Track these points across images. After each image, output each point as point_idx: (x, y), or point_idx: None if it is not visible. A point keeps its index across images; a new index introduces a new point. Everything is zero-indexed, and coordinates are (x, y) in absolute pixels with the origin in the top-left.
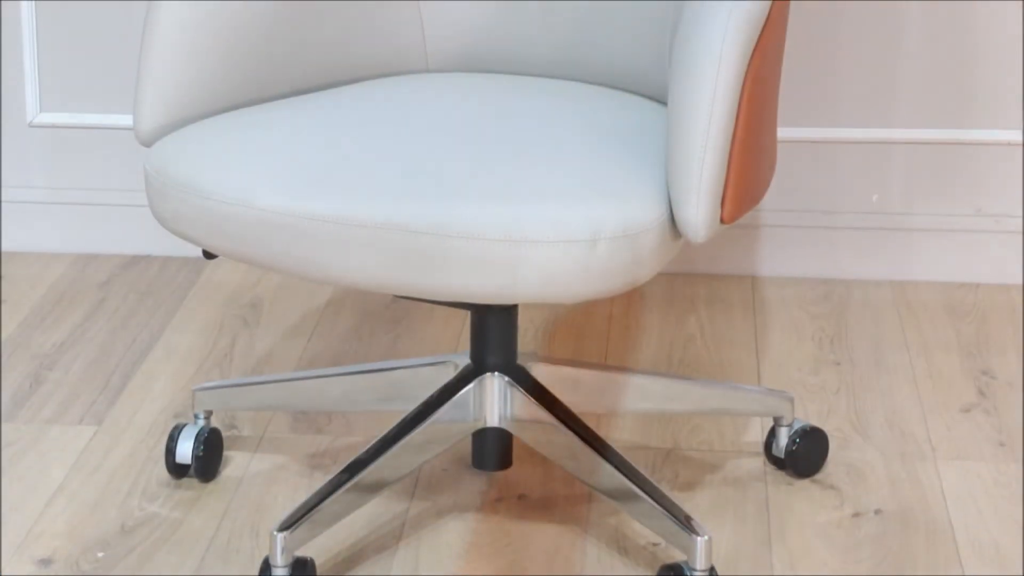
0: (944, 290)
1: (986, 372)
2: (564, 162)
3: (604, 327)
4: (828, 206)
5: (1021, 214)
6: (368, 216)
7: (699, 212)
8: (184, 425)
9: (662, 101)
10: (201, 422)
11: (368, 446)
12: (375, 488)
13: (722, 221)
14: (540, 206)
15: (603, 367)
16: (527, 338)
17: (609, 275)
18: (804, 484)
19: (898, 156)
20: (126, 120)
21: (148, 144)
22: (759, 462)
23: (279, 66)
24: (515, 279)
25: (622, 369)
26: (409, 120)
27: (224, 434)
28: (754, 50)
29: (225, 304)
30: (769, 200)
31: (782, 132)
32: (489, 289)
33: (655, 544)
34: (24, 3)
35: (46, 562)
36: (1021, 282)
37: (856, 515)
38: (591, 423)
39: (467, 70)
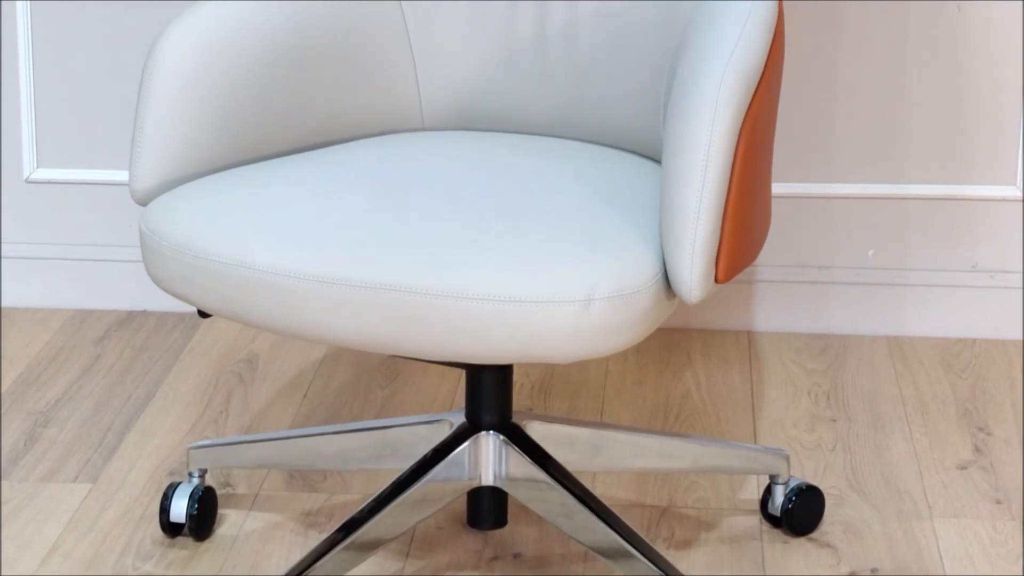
0: (940, 345)
1: (982, 428)
2: (559, 221)
3: (600, 382)
4: (824, 261)
5: (1018, 269)
6: (363, 276)
7: (693, 272)
8: (178, 483)
9: (658, 160)
10: (196, 480)
11: (363, 504)
12: (370, 547)
13: (717, 281)
14: (534, 266)
15: (598, 425)
16: (523, 394)
17: (604, 335)
18: (800, 542)
19: (894, 211)
20: (122, 176)
21: (143, 203)
22: (755, 520)
23: (275, 125)
24: (509, 339)
25: (617, 427)
26: (404, 179)
27: (219, 492)
28: (748, 110)
29: (221, 360)
30: (765, 255)
31: (777, 188)
32: (483, 349)
33: None
34: (22, 58)
35: None
36: (1018, 337)
37: (852, 574)
38: (586, 481)
39: (463, 128)
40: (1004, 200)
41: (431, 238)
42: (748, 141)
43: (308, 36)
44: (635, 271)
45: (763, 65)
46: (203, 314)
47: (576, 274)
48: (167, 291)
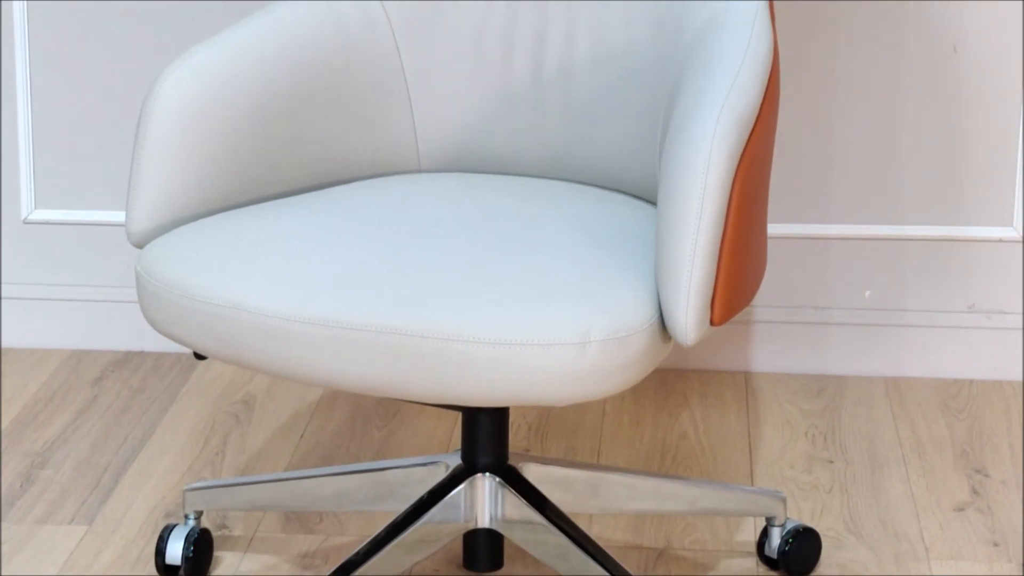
0: (937, 386)
1: (980, 470)
2: (554, 264)
3: (597, 423)
4: (821, 302)
5: (1015, 310)
6: (358, 319)
7: (688, 315)
8: (174, 526)
9: (654, 202)
10: (191, 522)
11: (359, 546)
12: None
13: (712, 323)
14: (530, 309)
15: (594, 467)
16: (519, 435)
17: (599, 378)
18: None
19: (891, 252)
20: (120, 217)
21: (140, 246)
22: (752, 562)
23: (271, 167)
24: (504, 382)
25: (613, 469)
26: (400, 221)
27: (215, 534)
28: (743, 152)
29: (218, 401)
30: (762, 296)
31: (774, 228)
32: (479, 392)
33: None
34: (20, 99)
35: None
36: (1016, 378)
37: None
38: (583, 523)
39: (459, 170)
40: (1002, 241)
41: (427, 281)
42: (743, 184)
43: (304, 78)
44: (631, 314)
45: (758, 108)
46: (199, 356)
47: (571, 317)
48: (163, 333)
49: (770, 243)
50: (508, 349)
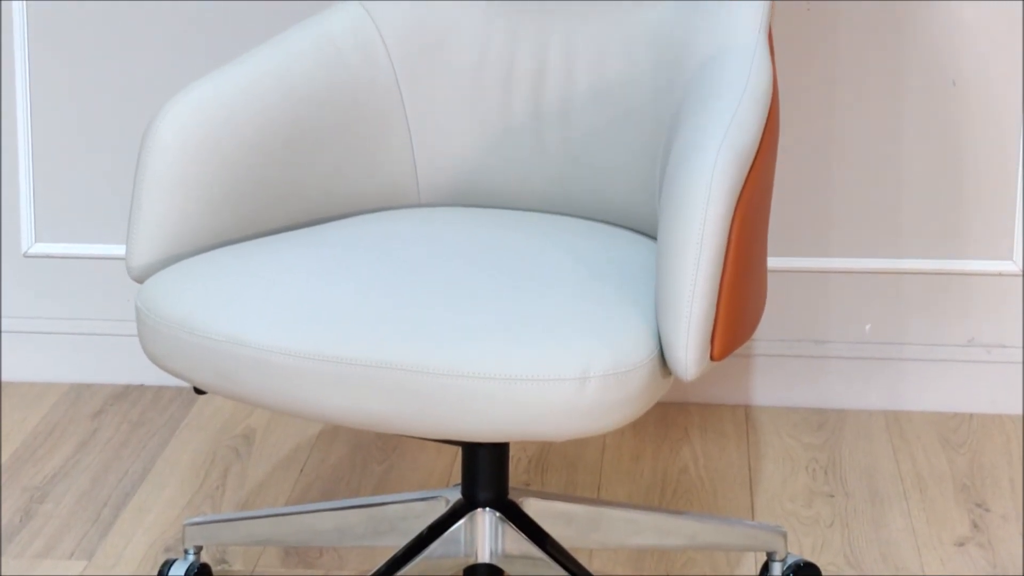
0: (938, 420)
1: (980, 504)
2: (554, 299)
3: (597, 457)
4: (821, 335)
5: (1015, 344)
6: (358, 354)
7: (688, 350)
8: (174, 560)
9: (654, 236)
10: (191, 557)
11: None
12: None
13: (712, 358)
14: (529, 344)
15: (594, 501)
16: (519, 469)
17: (599, 413)
18: None
19: (890, 286)
20: (120, 250)
21: (140, 280)
22: None
23: (271, 201)
24: (504, 417)
25: (613, 503)
26: (400, 256)
27: (214, 568)
28: (742, 188)
29: (218, 435)
30: (762, 329)
31: (774, 262)
32: (478, 427)
33: None
34: (21, 133)
35: None
36: (1016, 412)
37: None
38: (583, 558)
39: (459, 204)
40: (1001, 275)
41: (426, 316)
42: (743, 219)
43: (305, 112)
44: (630, 349)
45: (757, 143)
46: (199, 391)
47: (571, 352)
48: (163, 368)
49: (770, 276)
50: (507, 384)
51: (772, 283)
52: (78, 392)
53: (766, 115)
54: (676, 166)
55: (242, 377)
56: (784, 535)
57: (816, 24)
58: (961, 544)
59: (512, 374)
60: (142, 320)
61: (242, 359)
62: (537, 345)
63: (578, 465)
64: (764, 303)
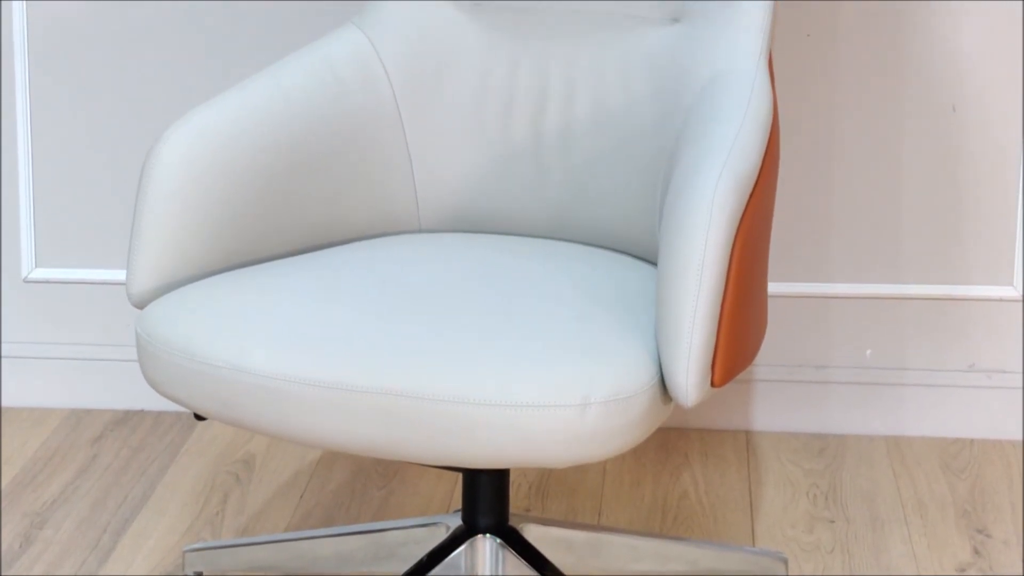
0: (939, 446)
1: (981, 530)
2: (554, 325)
3: (598, 483)
4: (821, 361)
5: (1016, 369)
6: (359, 381)
7: (689, 377)
8: None
9: (655, 262)
10: None
11: None
12: None
13: (713, 384)
14: (530, 370)
15: (595, 528)
16: (520, 494)
17: (600, 440)
18: None
19: (891, 311)
20: (120, 275)
21: (140, 307)
22: None
23: (272, 227)
24: (505, 444)
25: (614, 529)
26: (401, 283)
27: None
28: (743, 214)
29: (217, 460)
30: (762, 355)
31: (774, 287)
32: (478, 454)
33: None
34: (21, 158)
35: None
36: (1016, 438)
37: None
38: None
39: (459, 230)
40: (1002, 300)
41: (427, 342)
42: (743, 245)
43: (305, 138)
44: (631, 375)
45: (758, 170)
46: (199, 417)
47: (572, 378)
48: (163, 394)
49: (770, 302)
50: (508, 411)
51: (773, 308)
52: (78, 417)
53: (767, 141)
54: (677, 192)
55: (242, 403)
56: (785, 561)
57: (816, 51)
58: (962, 570)
59: (512, 400)
60: (142, 346)
61: (242, 385)
62: (538, 371)
63: (579, 491)
64: (765, 329)
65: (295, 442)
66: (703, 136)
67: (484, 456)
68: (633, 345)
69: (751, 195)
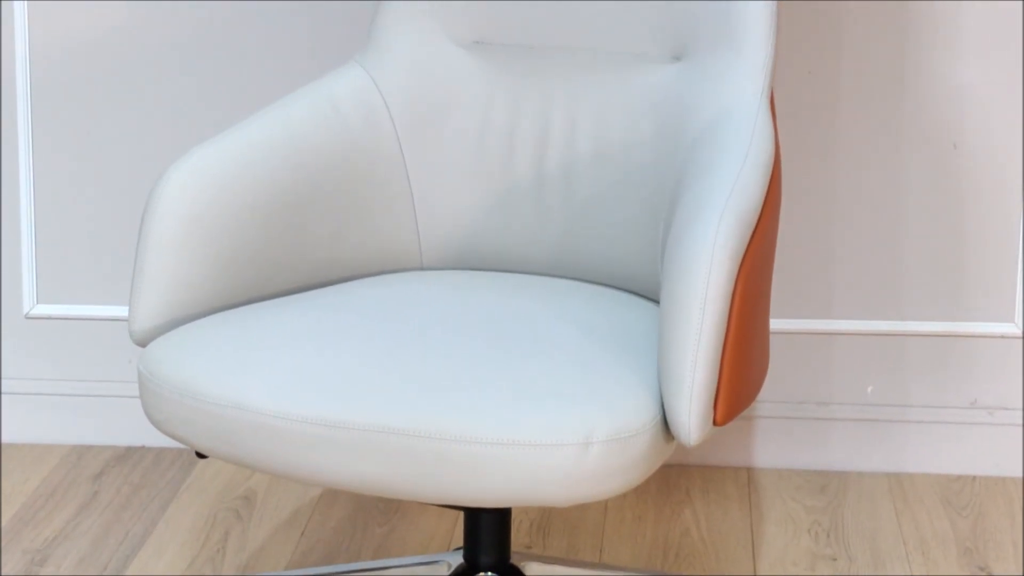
0: (941, 483)
1: (983, 568)
2: (556, 364)
3: (599, 520)
4: (823, 398)
5: (1017, 406)
6: (360, 419)
7: (691, 416)
8: None
9: (656, 300)
10: None
11: None
12: None
13: (715, 423)
14: (531, 409)
15: (596, 565)
16: (521, 531)
17: (601, 479)
18: None
19: (893, 348)
20: (121, 311)
21: (142, 344)
22: None
23: (274, 265)
24: (506, 483)
25: (615, 567)
26: (403, 320)
27: None
28: (744, 254)
29: (218, 497)
30: (764, 391)
31: (776, 324)
32: (480, 493)
33: None
34: (23, 194)
35: None
36: (1018, 475)
37: None
38: None
39: (462, 267)
40: (1003, 337)
41: (428, 381)
42: (745, 284)
43: (307, 176)
44: (633, 414)
45: (760, 208)
46: (200, 455)
47: (574, 417)
48: (165, 433)
49: (772, 338)
50: (509, 450)
51: (774, 345)
52: (79, 454)
53: (768, 180)
54: (679, 232)
55: (243, 442)
56: None
57: (818, 88)
58: None
59: (514, 439)
60: (144, 385)
61: (243, 424)
62: (539, 410)
63: (580, 528)
64: (767, 367)
65: (296, 480)
66: (705, 175)
67: (485, 495)
68: (635, 384)
69: (753, 234)
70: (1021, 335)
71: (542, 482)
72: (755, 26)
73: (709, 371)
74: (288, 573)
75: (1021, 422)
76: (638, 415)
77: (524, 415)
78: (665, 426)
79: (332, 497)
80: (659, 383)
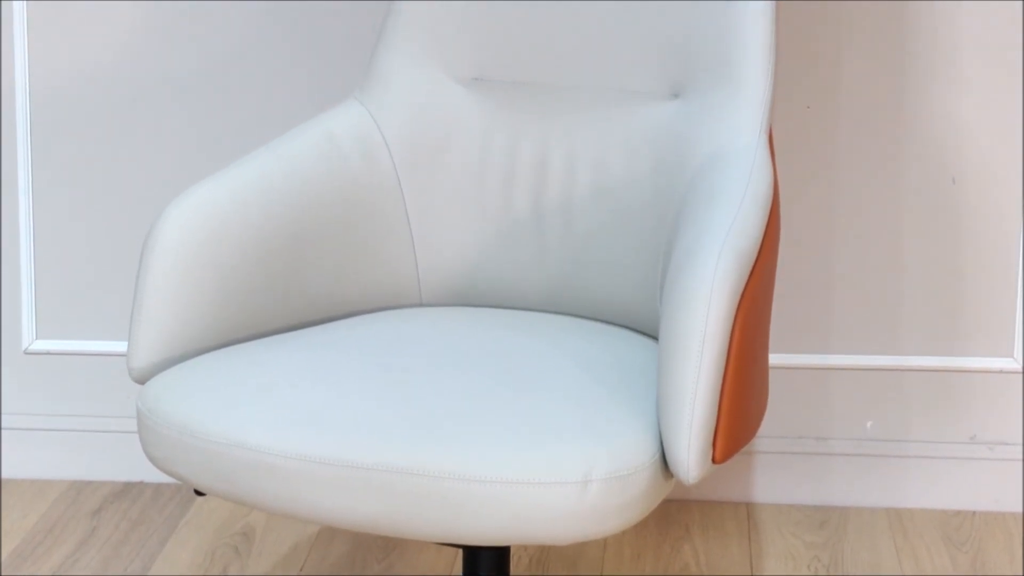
0: (940, 518)
1: None
2: (555, 401)
3: (598, 556)
4: (822, 432)
5: (1017, 441)
6: (360, 457)
7: (691, 454)
8: None
9: (655, 336)
10: None
11: None
12: None
13: (714, 461)
14: (530, 447)
15: None
16: (520, 567)
17: (601, 517)
18: None
19: (892, 383)
20: (120, 347)
21: (141, 382)
22: None
23: (273, 302)
24: (505, 521)
25: None
26: (402, 357)
27: None
28: (743, 291)
29: (217, 532)
30: (763, 427)
31: (775, 358)
32: (478, 531)
33: None
34: (23, 229)
35: None
36: (1018, 510)
37: None
38: None
39: (461, 303)
40: (1002, 372)
41: (426, 419)
42: (744, 322)
43: (306, 213)
44: (632, 452)
45: (759, 246)
46: (199, 492)
47: (572, 455)
48: (164, 471)
49: (771, 373)
50: (508, 488)
51: (773, 380)
52: (78, 489)
53: (767, 217)
54: (677, 269)
55: (242, 480)
56: None
57: (816, 123)
58: None
59: (512, 478)
60: (143, 422)
61: (242, 462)
62: (538, 448)
63: (579, 564)
64: (766, 404)
65: (295, 518)
66: (704, 212)
67: (484, 533)
68: (634, 421)
69: (752, 272)
70: (1020, 370)
71: (541, 521)
72: (753, 62)
73: (708, 409)
74: None
75: (1021, 457)
76: (637, 453)
77: (523, 453)
78: (664, 464)
79: (331, 533)
80: (658, 421)
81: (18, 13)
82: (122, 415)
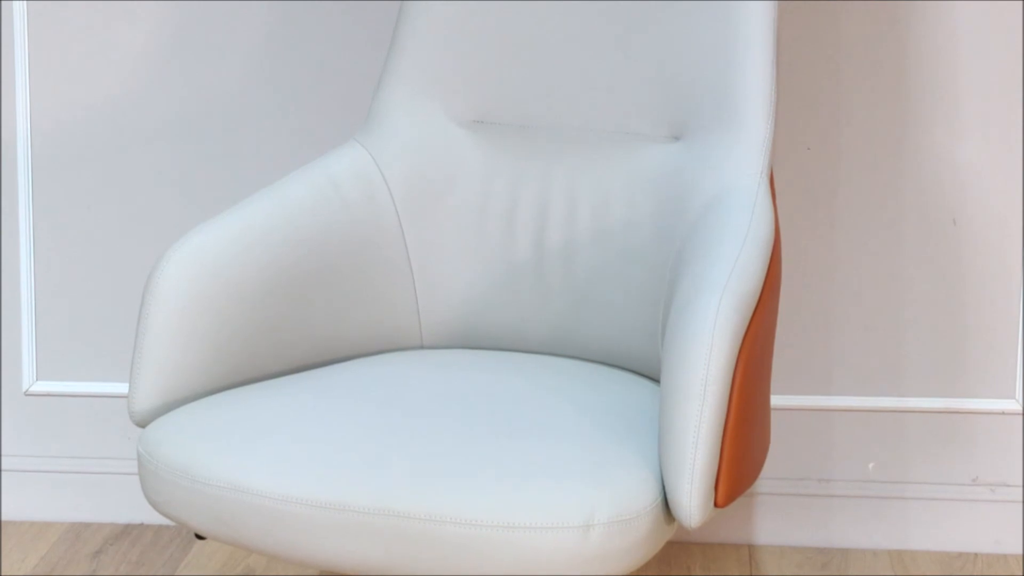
0: (942, 560)
1: None
2: (557, 445)
3: None
4: (824, 474)
5: (1018, 483)
6: (360, 502)
7: (693, 498)
8: None
9: (657, 378)
10: None
11: None
12: None
13: (716, 505)
14: (532, 490)
15: None
16: None
17: (603, 561)
18: None
19: (893, 424)
20: (121, 388)
21: (142, 425)
22: None
23: (275, 345)
24: (506, 566)
25: None
26: (402, 402)
27: None
28: (746, 333)
29: (217, 574)
30: (765, 468)
31: (776, 400)
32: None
33: None
34: (23, 271)
35: None
36: (1019, 552)
37: None
38: None
39: (462, 346)
40: (1004, 413)
41: (427, 463)
42: (746, 365)
43: (307, 255)
44: (634, 496)
45: (760, 290)
46: (200, 536)
47: (574, 499)
48: (164, 514)
49: (773, 415)
50: (509, 532)
51: (775, 422)
52: (78, 531)
53: (768, 259)
54: (679, 313)
55: (242, 524)
56: None
57: (816, 165)
58: None
59: (514, 522)
60: (143, 466)
61: (242, 506)
62: (539, 492)
63: None
64: (768, 447)
65: (295, 562)
66: (705, 256)
67: None
68: (636, 465)
69: (753, 315)
70: (1022, 411)
71: (542, 565)
72: (754, 105)
73: (710, 453)
74: None
75: (1022, 499)
76: (639, 497)
77: (524, 497)
78: (666, 508)
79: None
80: (660, 464)
81: (19, 55)
82: (122, 456)
